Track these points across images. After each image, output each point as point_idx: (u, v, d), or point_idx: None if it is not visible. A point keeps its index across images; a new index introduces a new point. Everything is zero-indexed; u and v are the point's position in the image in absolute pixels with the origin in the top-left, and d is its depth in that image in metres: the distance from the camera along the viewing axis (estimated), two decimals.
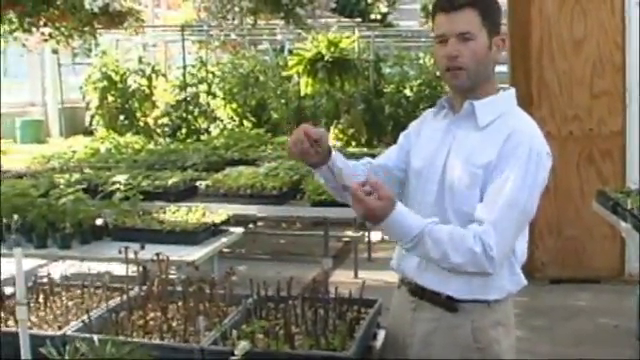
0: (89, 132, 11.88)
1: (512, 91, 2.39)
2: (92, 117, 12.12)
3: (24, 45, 8.88)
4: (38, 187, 6.01)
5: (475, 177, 2.24)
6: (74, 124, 12.22)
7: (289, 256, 7.93)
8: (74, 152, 8.84)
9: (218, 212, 5.71)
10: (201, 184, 6.53)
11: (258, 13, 7.75)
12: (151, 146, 9.51)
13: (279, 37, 10.22)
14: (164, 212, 5.71)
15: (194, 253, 5.00)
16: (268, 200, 6.22)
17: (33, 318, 2.79)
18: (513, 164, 2.19)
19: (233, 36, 8.29)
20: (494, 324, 2.33)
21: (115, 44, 13.21)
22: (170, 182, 6.46)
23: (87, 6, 7.01)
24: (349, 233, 8.27)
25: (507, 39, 2.81)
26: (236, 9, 7.47)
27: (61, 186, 6.50)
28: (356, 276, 7.03)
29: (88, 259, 5.18)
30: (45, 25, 9.13)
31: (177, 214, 5.65)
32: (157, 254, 2.95)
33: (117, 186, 5.99)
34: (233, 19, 7.55)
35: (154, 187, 6.46)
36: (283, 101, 12.51)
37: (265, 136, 10.24)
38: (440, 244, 2.12)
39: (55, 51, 9.58)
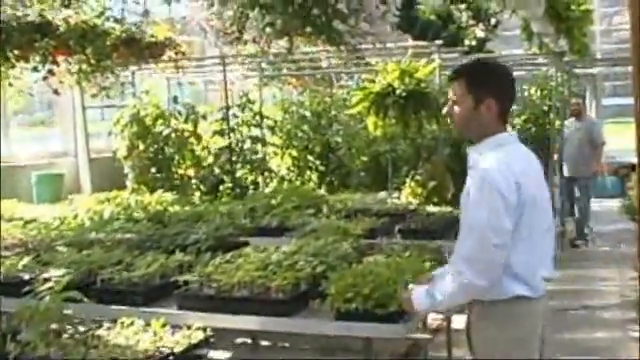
0: (125, 187, 9.96)
1: (498, 136, 3.03)
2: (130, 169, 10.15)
3: (10, 84, 7.18)
4: None
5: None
6: (111, 177, 10.27)
7: None
8: (75, 217, 6.96)
9: (193, 326, 3.71)
10: (182, 280, 4.36)
11: (290, 33, 5.74)
12: (177, 207, 7.52)
13: (324, 64, 8.12)
14: (114, 326, 3.77)
15: None
16: (271, 307, 3.97)
17: None
18: (472, 195, 2.93)
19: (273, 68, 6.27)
20: None
21: (166, 82, 11.45)
22: (137, 275, 4.38)
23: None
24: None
25: None
26: (259, 25, 5.48)
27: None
28: None
29: None
30: (48, 60, 7.49)
31: (128, 331, 3.69)
32: None
33: (50, 284, 3.97)
34: (254, 40, 5.59)
35: (118, 282, 4.42)
36: (356, 145, 10.33)
37: (320, 194, 8.12)
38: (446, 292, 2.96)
39: (56, 92, 7.80)
